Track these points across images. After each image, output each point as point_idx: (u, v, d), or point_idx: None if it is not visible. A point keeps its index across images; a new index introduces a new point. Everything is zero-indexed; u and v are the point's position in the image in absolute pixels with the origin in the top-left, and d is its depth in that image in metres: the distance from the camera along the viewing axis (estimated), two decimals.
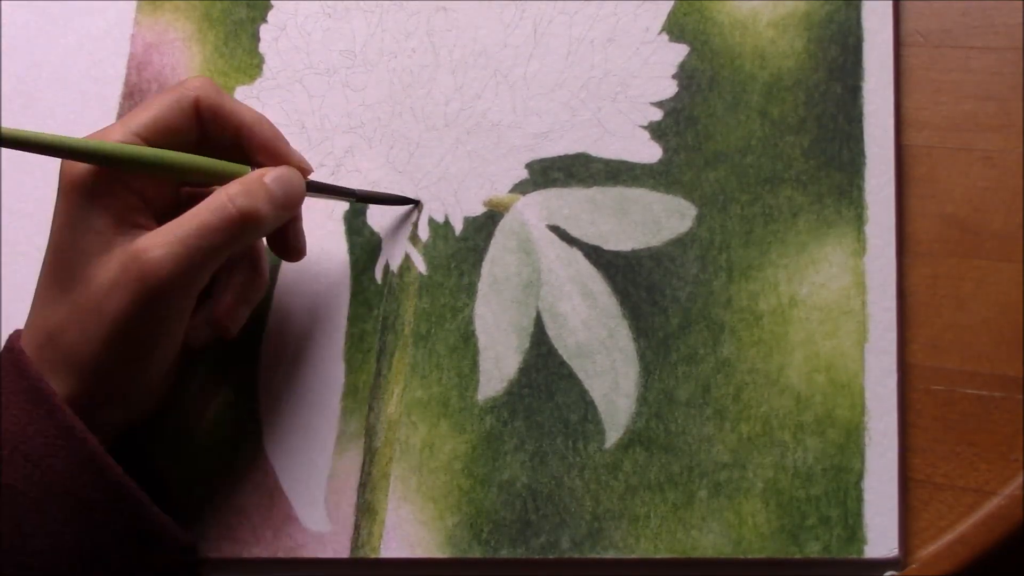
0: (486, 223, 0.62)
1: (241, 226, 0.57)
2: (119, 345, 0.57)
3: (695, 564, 0.55)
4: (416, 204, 0.64)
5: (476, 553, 0.58)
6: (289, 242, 0.62)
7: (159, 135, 0.59)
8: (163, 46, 0.70)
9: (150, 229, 0.58)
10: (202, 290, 0.59)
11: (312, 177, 0.62)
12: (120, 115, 0.69)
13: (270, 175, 0.59)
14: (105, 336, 0.56)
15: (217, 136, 0.60)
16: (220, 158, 0.59)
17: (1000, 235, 0.55)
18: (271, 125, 0.61)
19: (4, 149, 0.58)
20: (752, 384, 0.56)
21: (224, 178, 0.59)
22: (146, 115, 0.59)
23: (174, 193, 0.61)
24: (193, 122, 0.60)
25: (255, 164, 0.60)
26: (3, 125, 0.61)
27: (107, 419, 0.58)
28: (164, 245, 0.56)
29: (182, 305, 0.58)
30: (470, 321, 0.61)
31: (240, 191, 0.58)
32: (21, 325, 0.60)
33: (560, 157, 0.62)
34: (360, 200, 0.64)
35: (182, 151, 0.59)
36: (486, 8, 0.65)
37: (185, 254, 0.56)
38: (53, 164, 0.59)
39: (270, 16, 0.69)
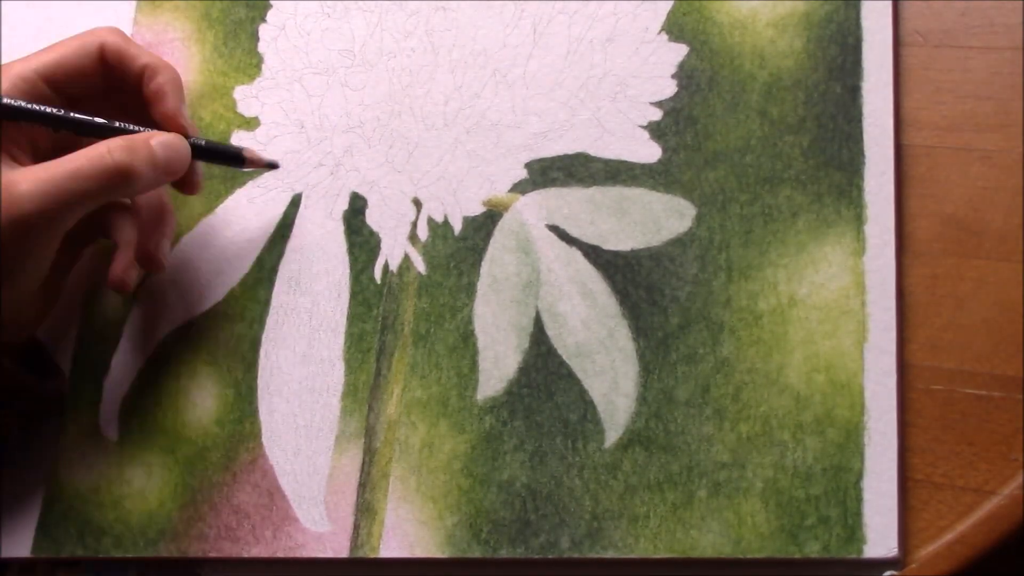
0: (485, 223, 0.62)
1: (114, 178, 0.59)
2: None
3: (694, 564, 0.55)
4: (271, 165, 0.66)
5: (475, 553, 0.58)
6: (186, 180, 0.63)
7: (63, 76, 0.61)
8: (162, 46, 0.70)
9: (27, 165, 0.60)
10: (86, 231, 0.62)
11: (309, 172, 0.62)
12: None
13: (158, 139, 0.61)
14: None
15: (120, 80, 0.62)
16: (120, 106, 0.62)
17: (1000, 235, 0.55)
18: (173, 76, 0.63)
19: None
20: (751, 384, 0.56)
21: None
22: (50, 56, 0.62)
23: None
24: (97, 65, 0.62)
25: (152, 113, 0.62)
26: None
27: None
28: (33, 181, 0.58)
29: (44, 242, 0.59)
30: (469, 321, 0.61)
31: (121, 146, 0.59)
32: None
33: (559, 157, 0.62)
34: (244, 164, 0.65)
35: (86, 93, 0.62)
36: (485, 8, 0.65)
37: (52, 193, 0.58)
38: None
39: (269, 16, 0.69)
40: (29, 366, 0.64)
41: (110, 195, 0.60)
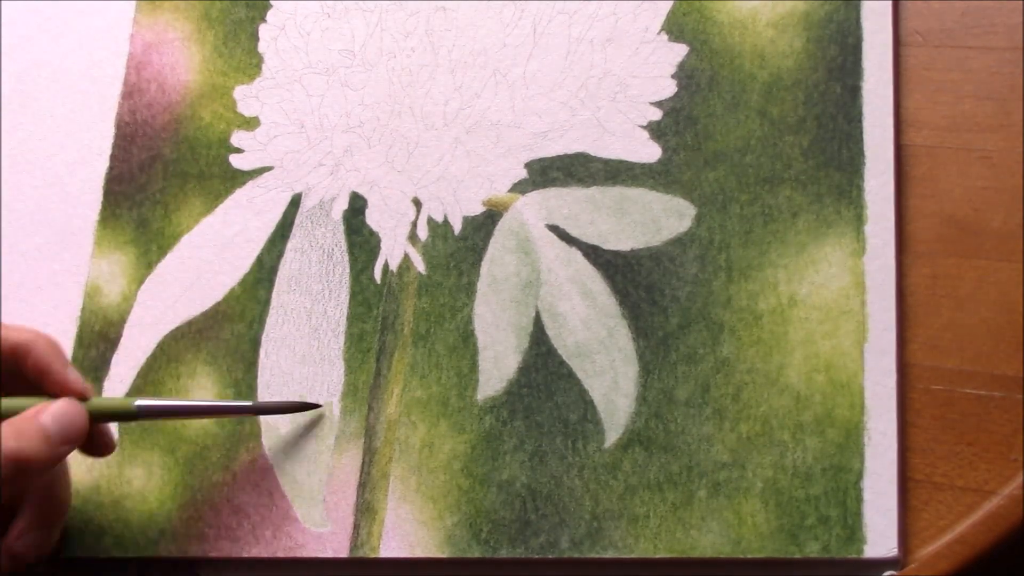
0: (485, 223, 0.62)
1: (9, 470, 0.54)
2: None
3: (694, 564, 0.55)
4: (316, 407, 0.62)
5: (475, 553, 0.58)
6: (93, 444, 0.59)
7: None
8: (162, 46, 0.70)
9: None
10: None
11: (309, 172, 0.62)
12: (119, 115, 0.69)
13: (47, 412, 0.56)
14: None
15: None
16: (4, 385, 0.57)
17: (1000, 235, 0.55)
18: (49, 343, 0.58)
19: (5, 149, 0.58)
20: (751, 384, 0.56)
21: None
22: None
23: None
24: None
25: (41, 388, 0.58)
26: (3, 125, 0.61)
27: None
28: None
29: None
30: (469, 321, 0.61)
31: (9, 433, 0.54)
32: (20, 324, 0.59)
33: (559, 157, 0.62)
34: (202, 415, 0.62)
35: None
36: (485, 8, 0.65)
37: None
38: (54, 164, 0.60)
39: (269, 16, 0.69)
40: None
41: (10, 488, 0.54)
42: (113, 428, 0.62)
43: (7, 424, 0.55)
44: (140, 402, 0.59)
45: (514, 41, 0.64)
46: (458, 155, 0.64)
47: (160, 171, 0.68)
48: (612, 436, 0.57)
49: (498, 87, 0.64)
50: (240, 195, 0.67)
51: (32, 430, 0.55)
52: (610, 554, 0.56)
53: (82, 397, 0.58)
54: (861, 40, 0.59)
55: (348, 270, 0.64)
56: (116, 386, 0.65)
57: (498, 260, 0.62)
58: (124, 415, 0.59)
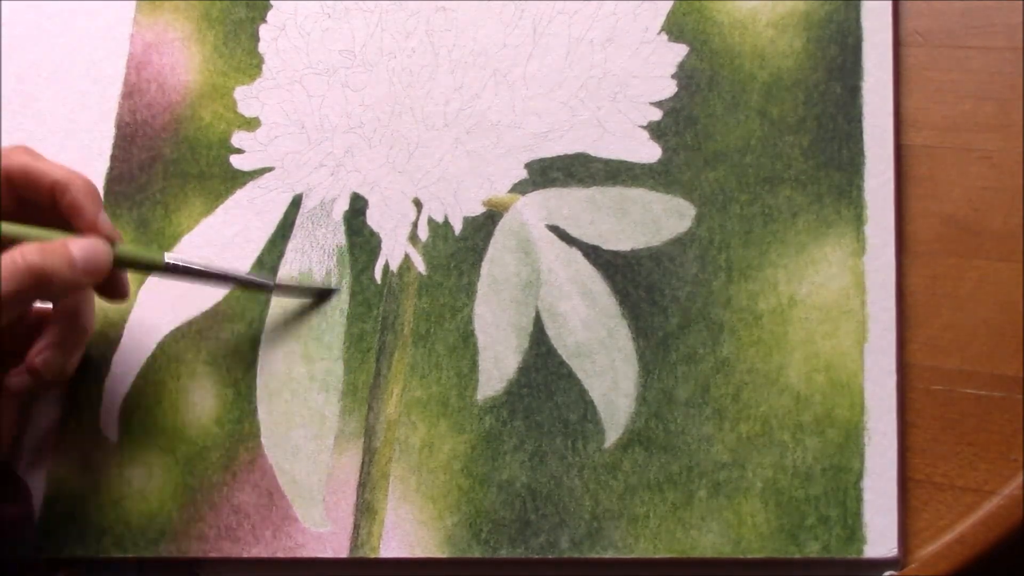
0: (485, 223, 0.62)
1: (28, 281, 0.58)
2: None
3: (694, 564, 0.55)
4: (334, 291, 0.64)
5: (475, 553, 0.58)
6: (109, 286, 0.63)
7: None
8: (162, 46, 0.70)
9: None
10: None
11: (310, 173, 0.62)
12: (119, 115, 0.69)
13: (76, 243, 0.59)
14: None
15: (34, 198, 0.61)
16: (45, 221, 0.61)
17: (1000, 235, 0.55)
18: (86, 184, 0.61)
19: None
20: (751, 384, 0.56)
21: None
22: None
23: None
24: (4, 187, 0.61)
25: (73, 227, 0.61)
26: (3, 125, 0.62)
27: None
28: None
29: None
30: (469, 321, 0.61)
31: (35, 250, 0.58)
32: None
33: (559, 157, 0.62)
34: (226, 282, 0.64)
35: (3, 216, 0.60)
36: (485, 8, 0.65)
37: None
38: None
39: (269, 16, 0.69)
40: None
41: (29, 299, 0.59)
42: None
43: (36, 243, 0.59)
44: (170, 257, 0.62)
45: (514, 41, 0.64)
46: (458, 155, 0.64)
47: (160, 171, 0.68)
48: (612, 436, 0.57)
49: (498, 87, 0.64)
50: (240, 195, 0.67)
51: (59, 253, 0.59)
52: (610, 554, 0.56)
53: (110, 240, 0.61)
54: (861, 40, 0.59)
55: (348, 270, 0.64)
56: (116, 386, 0.65)
57: (498, 260, 0.62)
58: (149, 265, 0.63)
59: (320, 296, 0.64)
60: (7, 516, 0.61)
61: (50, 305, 0.63)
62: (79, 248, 0.59)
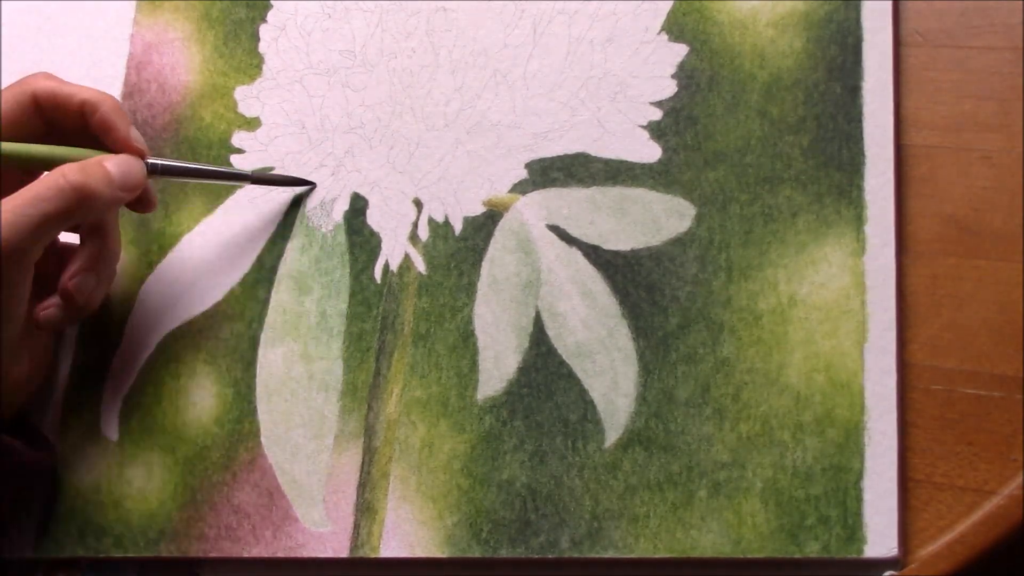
0: (486, 223, 0.62)
1: (73, 199, 0.59)
2: None
3: (694, 564, 0.55)
4: (309, 184, 0.66)
5: (475, 552, 0.58)
6: (137, 201, 0.64)
7: (4, 131, 0.62)
8: (162, 46, 0.70)
9: None
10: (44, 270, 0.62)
11: (310, 173, 0.62)
12: None
13: (111, 159, 0.62)
14: None
15: (62, 121, 0.63)
16: (73, 144, 0.63)
17: (1000, 235, 0.55)
18: (114, 104, 0.63)
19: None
20: (751, 384, 0.56)
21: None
22: None
23: (20, 180, 0.63)
24: (32, 112, 0.63)
25: (104, 145, 0.63)
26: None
27: None
28: None
29: (15, 272, 0.59)
30: (469, 321, 0.61)
31: (75, 168, 0.60)
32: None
33: (560, 157, 0.62)
34: (209, 177, 0.66)
35: (29, 141, 0.62)
36: (486, 8, 0.65)
37: (15, 221, 0.58)
38: None
39: (270, 16, 0.69)
40: (14, 437, 0.63)
41: (72, 217, 0.60)
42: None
43: (74, 163, 0.60)
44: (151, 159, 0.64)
45: (514, 41, 0.64)
46: (459, 155, 0.64)
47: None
48: (612, 436, 0.57)
49: (498, 87, 0.64)
50: (241, 195, 0.67)
51: (97, 170, 0.61)
52: (610, 554, 0.56)
53: (141, 155, 0.63)
54: (861, 40, 0.59)
55: (348, 270, 0.64)
56: (116, 386, 0.65)
57: (498, 260, 0.62)
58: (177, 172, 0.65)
59: (296, 185, 0.65)
60: (31, 460, 0.63)
61: (75, 237, 0.65)
62: (114, 165, 0.61)
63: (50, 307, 0.62)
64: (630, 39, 0.63)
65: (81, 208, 0.60)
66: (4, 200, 0.59)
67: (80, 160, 0.61)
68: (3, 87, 0.64)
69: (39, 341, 0.64)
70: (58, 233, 0.61)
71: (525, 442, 0.58)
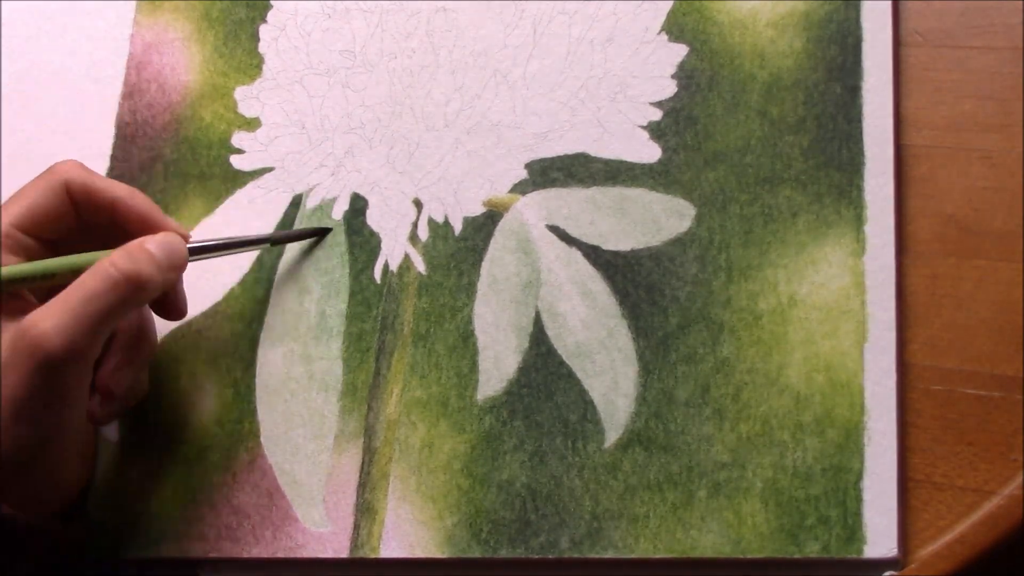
0: (486, 223, 0.62)
1: (127, 288, 0.57)
2: (21, 427, 0.56)
3: (694, 564, 0.55)
4: (326, 231, 0.65)
5: (475, 553, 0.58)
6: (170, 303, 0.62)
7: (35, 223, 0.59)
8: (162, 46, 0.70)
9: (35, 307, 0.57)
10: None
11: (310, 173, 0.62)
12: (119, 115, 0.69)
13: (151, 241, 0.58)
14: (4, 418, 0.55)
15: (92, 215, 0.61)
16: (99, 239, 0.60)
17: (1000, 235, 0.55)
18: (144, 198, 0.61)
19: (6, 150, 0.58)
20: (751, 384, 0.56)
21: None
22: (20, 205, 0.59)
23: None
24: (67, 205, 0.60)
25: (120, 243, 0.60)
26: (3, 125, 0.62)
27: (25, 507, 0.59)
28: (52, 316, 0.55)
29: (78, 376, 0.56)
30: (469, 321, 0.61)
31: (122, 256, 0.57)
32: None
33: (560, 157, 0.62)
34: (251, 245, 0.64)
35: (61, 235, 0.60)
36: (486, 8, 0.65)
37: (74, 323, 0.55)
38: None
39: (270, 16, 0.69)
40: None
41: (127, 308, 0.57)
42: (115, 427, 0.63)
43: (118, 250, 0.58)
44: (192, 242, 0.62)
45: (514, 42, 0.64)
46: (459, 156, 0.64)
47: (161, 172, 0.68)
48: (612, 436, 0.57)
49: (498, 88, 0.64)
50: (240, 196, 0.67)
51: (142, 254, 0.58)
52: (610, 554, 0.56)
53: (183, 237, 0.61)
54: (861, 40, 0.59)
55: (348, 270, 0.64)
56: None
57: (498, 260, 0.62)
58: (230, 245, 0.64)
59: (317, 236, 0.65)
60: (69, 536, 0.61)
61: None
62: (156, 245, 0.58)
63: (94, 405, 0.60)
64: (630, 39, 0.63)
65: (137, 296, 0.57)
66: (56, 300, 0.56)
67: (88, 263, 0.58)
68: (33, 178, 0.61)
69: (87, 436, 0.62)
70: (114, 326, 0.58)
71: (525, 442, 0.58)
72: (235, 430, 0.62)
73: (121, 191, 0.60)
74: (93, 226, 0.61)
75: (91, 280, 0.56)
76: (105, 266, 0.56)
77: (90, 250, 0.59)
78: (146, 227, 0.60)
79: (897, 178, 0.57)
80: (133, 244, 0.58)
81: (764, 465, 0.55)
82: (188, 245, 0.61)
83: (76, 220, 0.61)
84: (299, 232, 0.65)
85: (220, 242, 0.63)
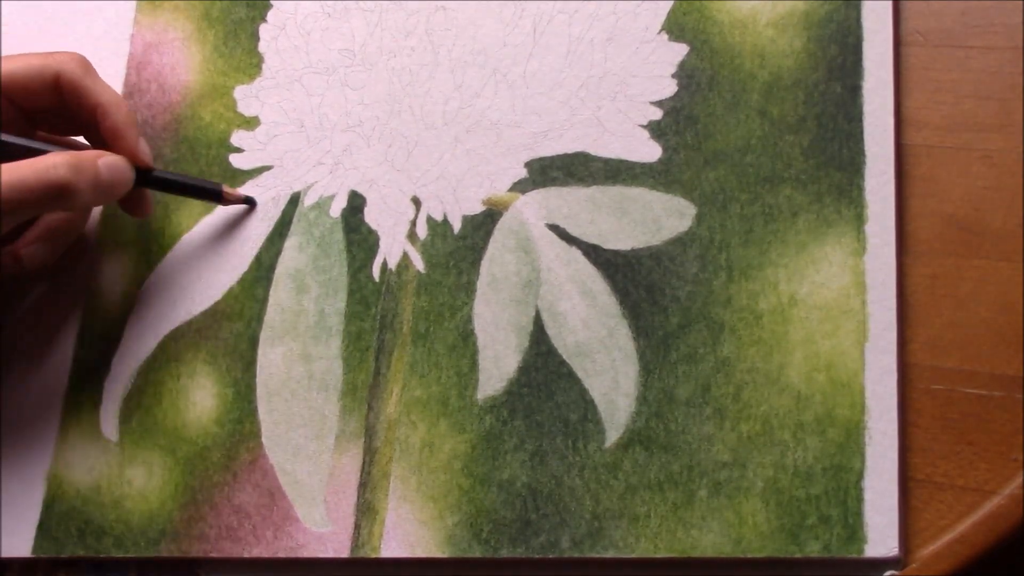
0: (485, 222, 0.62)
1: (55, 194, 0.59)
2: None
3: (695, 564, 0.55)
4: (250, 203, 0.66)
5: (476, 552, 0.58)
6: (133, 203, 0.65)
7: (14, 91, 0.63)
8: (163, 46, 0.70)
9: None
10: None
11: (308, 171, 0.62)
12: None
13: (105, 159, 0.62)
14: None
15: (75, 111, 0.63)
16: (81, 124, 0.64)
17: (1000, 235, 0.55)
18: (127, 113, 0.63)
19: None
20: (752, 383, 0.56)
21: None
22: (8, 68, 0.63)
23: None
24: (49, 91, 0.63)
25: (109, 147, 0.63)
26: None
27: None
28: None
29: None
30: (469, 320, 0.61)
31: (68, 162, 0.60)
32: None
33: (559, 156, 0.62)
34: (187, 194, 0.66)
35: (38, 112, 0.64)
36: (485, 7, 0.65)
37: None
38: None
39: (269, 15, 0.69)
40: None
41: (48, 209, 0.61)
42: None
43: (71, 155, 0.60)
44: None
45: (514, 40, 0.64)
46: (458, 154, 0.64)
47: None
48: (613, 436, 0.58)
49: (498, 86, 0.64)
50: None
51: (88, 169, 0.61)
52: (611, 554, 0.56)
53: (146, 168, 0.64)
54: (861, 40, 0.59)
55: (346, 268, 0.64)
56: (116, 386, 0.65)
57: (498, 259, 0.62)
58: (204, 190, 0.66)
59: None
60: None
61: None
62: (106, 166, 0.61)
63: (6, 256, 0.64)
64: (630, 38, 0.63)
65: (64, 204, 0.60)
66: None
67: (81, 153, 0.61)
68: (36, 52, 0.64)
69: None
70: (29, 216, 0.62)
71: (525, 442, 0.58)
72: (236, 430, 0.62)
73: (107, 98, 0.63)
74: (74, 120, 0.64)
75: (30, 171, 0.59)
76: (49, 164, 0.59)
77: (67, 127, 0.64)
78: (117, 140, 0.63)
79: (897, 178, 0.57)
80: (87, 156, 0.61)
81: (765, 464, 0.55)
82: (153, 174, 0.64)
83: (58, 105, 0.63)
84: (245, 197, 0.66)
85: (170, 178, 0.65)
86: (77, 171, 0.60)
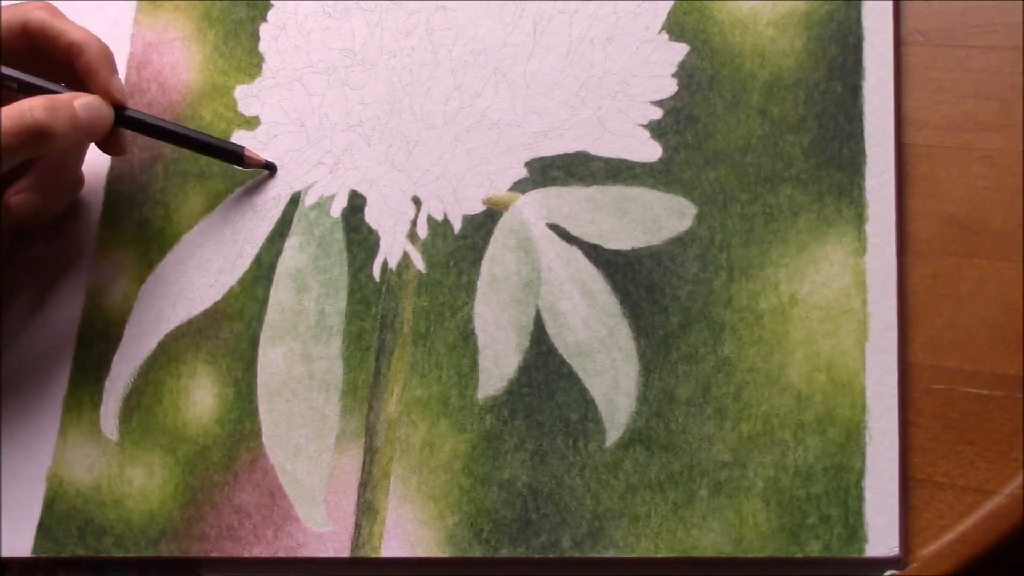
0: (485, 221, 0.62)
1: (32, 137, 0.60)
2: None
3: (695, 563, 0.55)
4: (271, 169, 0.67)
5: (476, 552, 0.58)
6: (110, 143, 0.65)
7: None
8: (163, 45, 0.70)
9: None
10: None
11: (309, 170, 0.62)
12: None
13: (81, 100, 0.62)
14: None
15: (49, 57, 0.64)
16: (58, 74, 0.63)
17: (1000, 234, 0.55)
18: (100, 50, 0.64)
19: None
20: (752, 383, 0.56)
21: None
22: None
23: None
24: (20, 42, 0.64)
25: (85, 87, 0.64)
26: None
27: None
28: None
29: None
30: (469, 320, 0.61)
31: (43, 105, 0.61)
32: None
33: (560, 156, 0.62)
34: (181, 143, 0.66)
35: (15, 62, 0.63)
36: (485, 7, 0.65)
37: None
38: None
39: (270, 15, 0.69)
40: None
41: (27, 153, 0.61)
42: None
43: (45, 98, 0.61)
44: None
45: (514, 40, 0.64)
46: (458, 154, 0.64)
47: (161, 171, 0.68)
48: (613, 435, 0.58)
49: (498, 86, 0.64)
50: (240, 194, 0.67)
51: (64, 110, 0.61)
52: (611, 553, 0.56)
53: (121, 104, 0.64)
54: (862, 39, 0.59)
55: (346, 268, 0.64)
56: (117, 385, 0.65)
57: (498, 259, 0.62)
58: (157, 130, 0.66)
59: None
60: None
61: None
62: (83, 107, 0.62)
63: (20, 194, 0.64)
64: (630, 38, 0.63)
65: (38, 147, 0.61)
66: None
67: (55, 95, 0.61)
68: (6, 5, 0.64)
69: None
70: (14, 163, 0.62)
71: (526, 441, 0.58)
72: (236, 430, 0.62)
73: (78, 35, 0.63)
74: (49, 63, 0.64)
75: (5, 115, 0.60)
76: (23, 108, 0.60)
77: (48, 77, 0.63)
78: (91, 77, 0.63)
79: (898, 177, 0.57)
80: (62, 98, 0.62)
81: (765, 464, 0.55)
82: (132, 115, 0.64)
83: (30, 56, 0.63)
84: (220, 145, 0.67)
85: (150, 122, 0.65)
86: (53, 112, 0.60)
